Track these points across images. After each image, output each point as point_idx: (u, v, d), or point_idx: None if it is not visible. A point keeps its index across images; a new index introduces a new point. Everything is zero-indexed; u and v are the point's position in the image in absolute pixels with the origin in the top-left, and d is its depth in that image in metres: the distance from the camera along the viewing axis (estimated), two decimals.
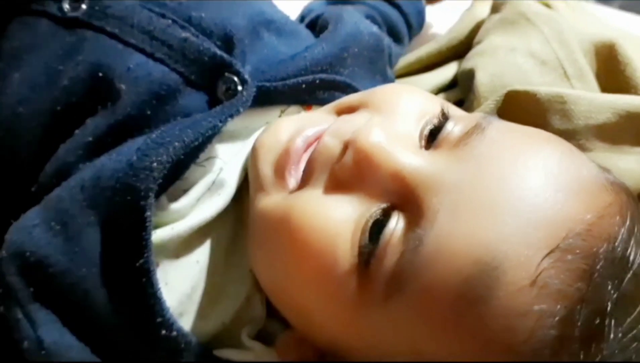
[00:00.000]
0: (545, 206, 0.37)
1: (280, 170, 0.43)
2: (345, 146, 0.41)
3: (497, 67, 0.59)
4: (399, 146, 0.41)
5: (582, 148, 0.50)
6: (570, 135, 0.51)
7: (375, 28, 0.59)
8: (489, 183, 0.38)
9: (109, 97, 0.45)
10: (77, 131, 0.45)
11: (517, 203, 0.37)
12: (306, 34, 0.58)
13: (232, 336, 0.47)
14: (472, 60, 0.61)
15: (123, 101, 0.45)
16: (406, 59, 0.66)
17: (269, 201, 0.43)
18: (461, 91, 0.61)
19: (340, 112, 0.47)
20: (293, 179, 0.43)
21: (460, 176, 0.39)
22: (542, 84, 0.56)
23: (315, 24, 0.61)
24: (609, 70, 0.58)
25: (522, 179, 0.38)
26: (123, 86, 0.45)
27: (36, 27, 0.48)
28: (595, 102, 0.53)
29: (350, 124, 0.43)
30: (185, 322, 0.44)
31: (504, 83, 0.56)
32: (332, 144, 0.42)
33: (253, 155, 0.45)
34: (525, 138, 0.42)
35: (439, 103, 0.45)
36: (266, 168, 0.44)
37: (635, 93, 0.56)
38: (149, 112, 0.45)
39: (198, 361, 0.43)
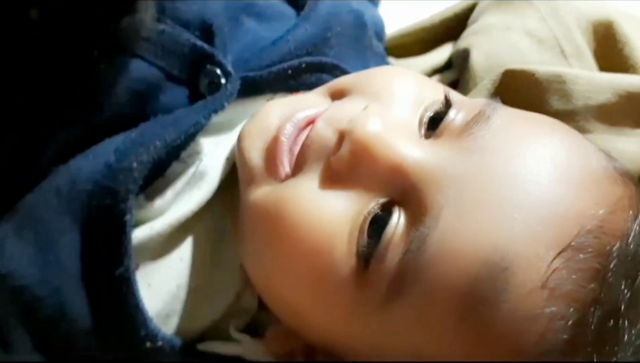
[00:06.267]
0: (555, 202, 0.36)
1: (270, 158, 0.41)
2: (341, 136, 0.39)
3: (492, 46, 0.57)
4: (399, 137, 0.38)
5: (582, 130, 0.49)
6: (569, 116, 0.50)
7: (354, 4, 0.56)
8: (496, 177, 0.36)
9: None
10: (52, 129, 0.42)
11: (526, 198, 0.35)
12: (288, 13, 0.54)
13: (221, 329, 0.45)
14: (466, 39, 0.59)
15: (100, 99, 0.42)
16: (399, 31, 0.64)
17: (260, 193, 0.41)
18: (456, 72, 0.60)
19: (333, 95, 0.44)
20: (284, 168, 0.40)
21: (465, 170, 0.37)
22: (539, 62, 0.54)
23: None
24: (607, 48, 0.56)
25: (531, 173, 0.36)
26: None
27: None
28: (594, 82, 0.52)
29: (346, 112, 0.40)
30: (173, 322, 0.42)
31: (500, 62, 0.54)
32: (326, 133, 0.40)
33: (240, 144, 0.43)
34: (531, 127, 0.40)
35: (441, 89, 0.43)
36: (255, 157, 0.41)
37: (634, 72, 0.54)
38: (127, 111, 0.42)
39: (182, 359, 0.42)
